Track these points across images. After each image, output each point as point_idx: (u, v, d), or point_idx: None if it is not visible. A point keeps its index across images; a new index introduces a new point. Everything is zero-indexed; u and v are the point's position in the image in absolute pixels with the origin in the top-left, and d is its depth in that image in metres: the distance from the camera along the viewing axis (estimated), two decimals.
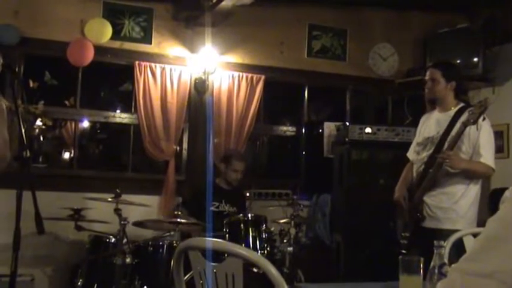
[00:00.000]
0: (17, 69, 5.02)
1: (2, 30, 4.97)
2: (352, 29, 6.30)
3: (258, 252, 4.11)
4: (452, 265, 1.25)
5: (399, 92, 6.30)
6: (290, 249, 4.44)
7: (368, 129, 5.40)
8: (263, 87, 5.83)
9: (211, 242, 1.86)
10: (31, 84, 5.17)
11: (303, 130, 6.17)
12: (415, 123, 4.46)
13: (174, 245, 4.21)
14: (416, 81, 5.46)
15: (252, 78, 5.79)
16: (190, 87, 5.61)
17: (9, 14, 5.09)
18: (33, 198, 2.80)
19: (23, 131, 2.89)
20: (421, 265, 1.88)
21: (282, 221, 4.70)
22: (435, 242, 1.90)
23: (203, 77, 5.59)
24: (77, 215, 4.28)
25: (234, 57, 5.81)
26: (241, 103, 5.73)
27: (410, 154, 4.13)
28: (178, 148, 5.63)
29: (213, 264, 1.93)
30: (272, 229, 4.52)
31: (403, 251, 3.66)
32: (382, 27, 6.41)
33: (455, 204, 3.73)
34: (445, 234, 3.11)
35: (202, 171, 5.26)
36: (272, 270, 1.75)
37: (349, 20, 6.29)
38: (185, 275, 2.06)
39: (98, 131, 6.81)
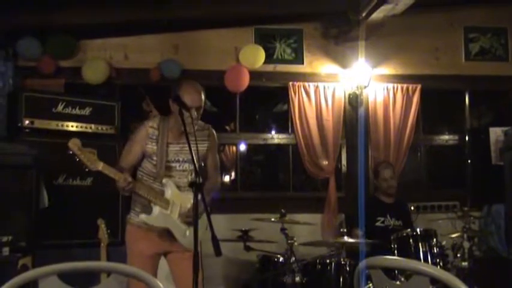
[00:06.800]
0: None
1: (166, 65, 5.34)
2: None
3: None
4: None
5: None
6: (465, 264, 4.20)
7: None
8: (420, 97, 5.65)
9: (395, 260, 1.81)
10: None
11: (466, 138, 5.86)
12: None
13: (342, 262, 4.16)
14: None
15: (407, 88, 5.65)
16: (344, 103, 5.61)
17: (170, 49, 5.46)
18: (208, 222, 2.91)
19: (195, 159, 3.04)
20: None
21: (454, 235, 4.46)
22: None
23: (357, 92, 5.56)
24: (245, 235, 4.43)
25: (388, 69, 5.70)
26: (398, 115, 5.60)
27: None
28: (337, 165, 5.61)
29: (397, 283, 1.87)
30: (443, 243, 4.32)
31: None
32: None
33: None
34: None
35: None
36: None
37: (508, 18, 5.98)
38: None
39: (254, 153, 6.98)
